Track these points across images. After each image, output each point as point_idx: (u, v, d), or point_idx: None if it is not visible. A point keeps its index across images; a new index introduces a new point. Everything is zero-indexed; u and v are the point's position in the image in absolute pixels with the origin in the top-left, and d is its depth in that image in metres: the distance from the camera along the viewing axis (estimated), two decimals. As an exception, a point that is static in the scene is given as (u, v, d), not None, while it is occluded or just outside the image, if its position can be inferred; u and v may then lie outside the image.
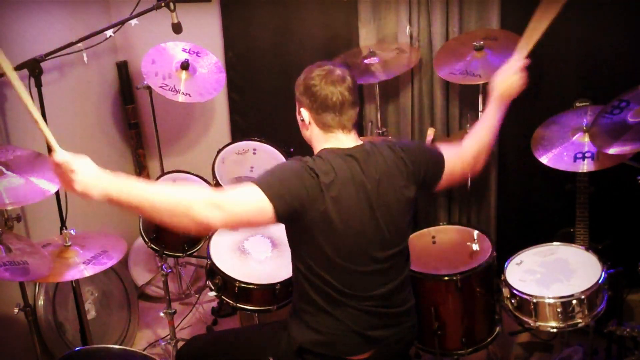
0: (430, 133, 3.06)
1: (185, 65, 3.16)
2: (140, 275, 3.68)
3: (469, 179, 3.12)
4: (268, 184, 1.85)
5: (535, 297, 2.43)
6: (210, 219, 1.79)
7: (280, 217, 1.87)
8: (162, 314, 3.15)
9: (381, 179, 1.98)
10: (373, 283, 2.03)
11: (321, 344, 2.04)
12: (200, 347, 2.32)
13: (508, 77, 2.16)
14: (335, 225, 1.92)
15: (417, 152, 2.09)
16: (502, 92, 2.17)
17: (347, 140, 2.02)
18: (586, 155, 2.59)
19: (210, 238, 2.75)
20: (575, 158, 2.61)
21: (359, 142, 2.04)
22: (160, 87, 3.10)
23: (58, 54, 2.80)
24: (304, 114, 2.03)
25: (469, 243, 2.76)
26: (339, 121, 1.99)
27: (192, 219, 1.78)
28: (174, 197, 1.80)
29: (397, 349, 2.14)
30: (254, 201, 1.83)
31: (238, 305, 2.57)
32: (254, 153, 3.29)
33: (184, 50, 3.25)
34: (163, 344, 3.27)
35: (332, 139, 2.02)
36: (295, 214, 1.89)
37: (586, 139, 2.63)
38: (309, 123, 2.03)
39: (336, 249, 1.95)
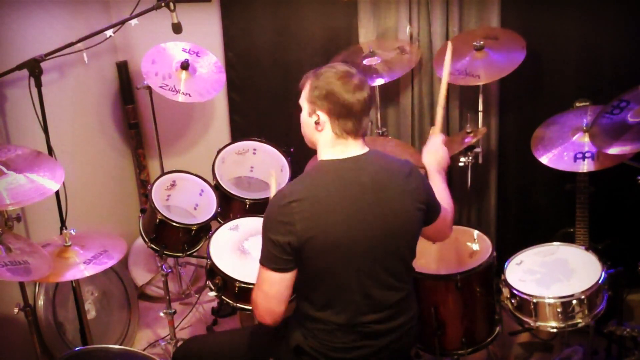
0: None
1: (185, 65, 3.16)
2: (140, 275, 3.68)
3: (469, 178, 3.12)
4: (266, 258, 1.96)
5: (535, 297, 2.43)
6: (273, 316, 1.98)
7: (295, 266, 1.96)
8: (162, 314, 3.15)
9: (374, 188, 1.95)
10: (372, 297, 2.00)
11: (317, 351, 2.04)
12: (197, 348, 2.31)
13: (433, 153, 2.36)
14: (321, 243, 1.91)
15: (428, 185, 2.13)
16: (435, 167, 2.33)
17: (353, 147, 1.99)
18: (586, 155, 2.59)
19: (210, 238, 2.75)
20: (575, 158, 2.61)
21: (365, 150, 2.01)
22: (160, 87, 3.10)
23: (58, 54, 2.80)
24: (322, 117, 1.98)
25: (469, 243, 2.76)
26: (354, 128, 1.98)
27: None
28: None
29: (396, 349, 2.13)
30: (277, 280, 1.95)
31: (238, 305, 2.56)
32: (254, 153, 3.29)
33: (183, 50, 3.25)
34: (163, 344, 3.27)
35: (339, 145, 1.99)
36: (300, 252, 1.93)
37: (586, 139, 2.63)
38: (323, 127, 2.00)
39: (328, 264, 1.95)
